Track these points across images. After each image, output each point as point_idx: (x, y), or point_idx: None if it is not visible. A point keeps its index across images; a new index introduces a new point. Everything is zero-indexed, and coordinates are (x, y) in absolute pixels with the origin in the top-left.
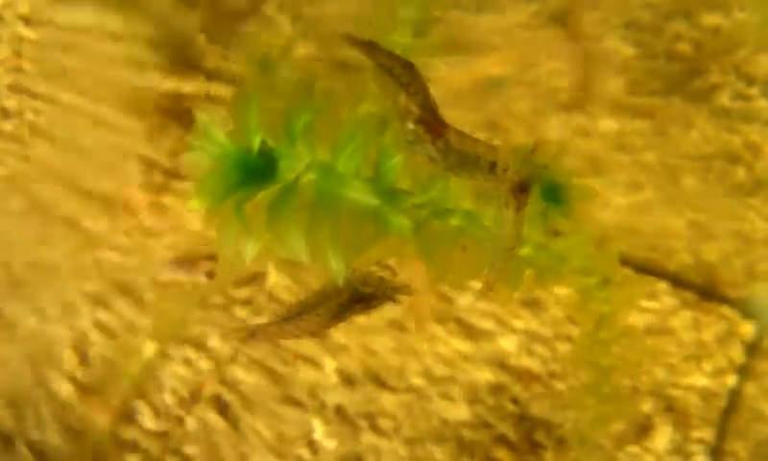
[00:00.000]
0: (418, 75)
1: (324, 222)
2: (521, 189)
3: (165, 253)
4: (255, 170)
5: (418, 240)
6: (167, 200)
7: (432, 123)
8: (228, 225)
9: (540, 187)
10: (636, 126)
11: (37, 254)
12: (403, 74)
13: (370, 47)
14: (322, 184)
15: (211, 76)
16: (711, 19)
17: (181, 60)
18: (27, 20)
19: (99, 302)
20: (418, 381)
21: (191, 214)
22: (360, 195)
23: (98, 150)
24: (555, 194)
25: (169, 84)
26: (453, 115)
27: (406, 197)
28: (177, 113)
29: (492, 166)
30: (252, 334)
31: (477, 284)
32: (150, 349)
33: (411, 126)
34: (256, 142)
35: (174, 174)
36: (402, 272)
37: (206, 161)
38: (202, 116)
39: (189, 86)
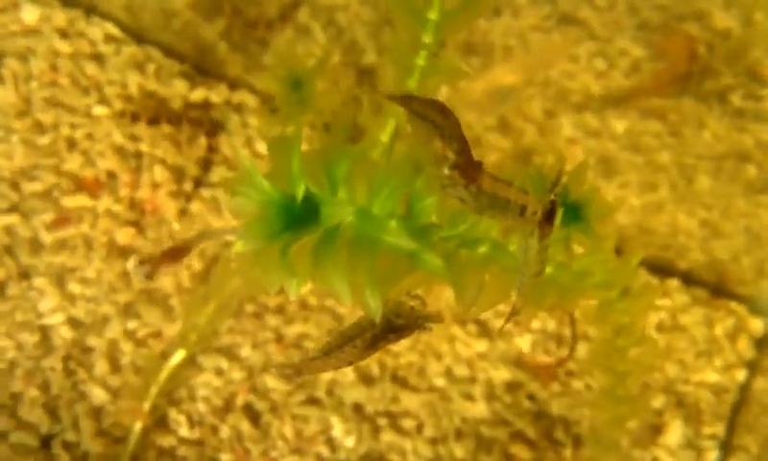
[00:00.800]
0: (452, 118)
1: (362, 262)
2: (546, 219)
3: (193, 262)
4: (299, 217)
5: (447, 270)
6: (195, 207)
7: (467, 168)
8: (272, 267)
9: (561, 205)
10: (649, 126)
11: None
12: (438, 118)
13: (405, 99)
14: (360, 228)
15: (234, 84)
16: (723, 21)
17: (205, 68)
18: (63, 33)
19: (129, 312)
20: (439, 382)
21: (218, 221)
22: (395, 238)
23: (128, 160)
24: (575, 213)
25: (197, 93)
26: (468, 119)
27: (436, 230)
28: (204, 122)
29: (523, 210)
30: (298, 371)
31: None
32: (178, 357)
33: (447, 171)
34: (300, 190)
35: (201, 182)
36: (432, 299)
37: (250, 207)
38: (245, 162)
39: (216, 96)
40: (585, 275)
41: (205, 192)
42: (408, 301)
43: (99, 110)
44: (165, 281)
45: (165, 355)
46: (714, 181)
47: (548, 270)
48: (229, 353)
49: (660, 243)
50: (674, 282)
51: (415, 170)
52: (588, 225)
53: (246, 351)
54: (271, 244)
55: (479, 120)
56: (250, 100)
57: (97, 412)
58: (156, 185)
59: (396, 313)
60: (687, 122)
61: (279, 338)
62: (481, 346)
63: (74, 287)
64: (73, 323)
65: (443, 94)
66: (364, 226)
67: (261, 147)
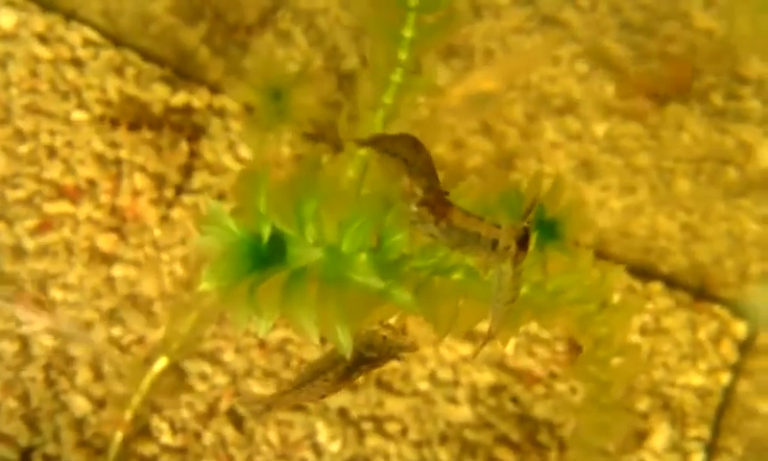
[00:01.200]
0: (423, 152)
1: (331, 300)
2: (520, 245)
3: (176, 268)
4: (266, 257)
5: (419, 300)
6: (176, 214)
7: (436, 205)
8: (239, 306)
9: (535, 225)
10: (629, 129)
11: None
12: (409, 154)
13: (374, 142)
14: (328, 267)
15: (216, 89)
16: (704, 21)
17: (186, 72)
18: (42, 39)
19: (113, 318)
20: (424, 386)
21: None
22: (364, 277)
23: (108, 167)
24: (551, 230)
25: (178, 97)
26: (448, 122)
27: (408, 261)
28: (186, 127)
29: (494, 244)
30: (268, 407)
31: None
32: (161, 364)
33: (415, 208)
34: (266, 231)
35: (183, 188)
36: (412, 321)
37: (217, 246)
38: (211, 203)
39: (198, 100)
40: (560, 293)
41: (187, 199)
42: (381, 331)
43: (78, 116)
44: (148, 287)
45: (149, 362)
46: (694, 184)
47: (523, 290)
48: (212, 358)
49: (641, 246)
50: (657, 286)
51: (385, 205)
52: (564, 243)
53: (229, 356)
54: (237, 284)
55: (460, 124)
56: (231, 104)
57: (79, 423)
58: (136, 192)
59: (368, 345)
60: (667, 124)
61: (262, 343)
62: (465, 349)
63: (56, 293)
64: (54, 331)
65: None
66: (332, 265)
67: (244, 152)
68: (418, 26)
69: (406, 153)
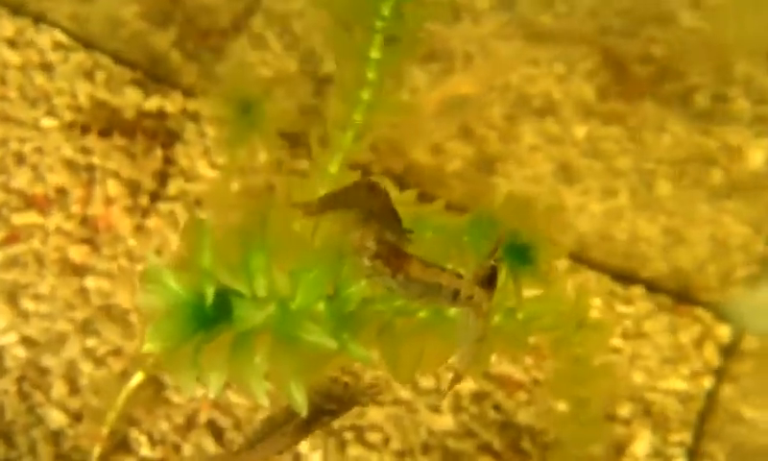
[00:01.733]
0: (380, 195)
1: (283, 356)
2: (488, 283)
3: None
4: (210, 317)
5: (381, 344)
6: (152, 222)
7: (390, 258)
8: (184, 368)
9: (507, 250)
10: (609, 131)
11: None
12: (364, 201)
13: (322, 205)
14: (280, 324)
15: (190, 93)
16: (688, 21)
17: (158, 76)
18: (12, 43)
19: (87, 330)
20: (405, 394)
21: (176, 236)
22: (318, 337)
23: (79, 174)
24: (523, 255)
25: (151, 102)
26: (427, 128)
27: (369, 304)
28: (159, 133)
29: (456, 294)
30: None
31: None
32: (137, 379)
33: (368, 263)
34: (210, 291)
35: (158, 195)
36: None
37: (159, 305)
38: (152, 259)
39: (171, 105)
40: (534, 319)
41: (163, 206)
42: (342, 377)
43: (48, 122)
44: (123, 298)
45: (125, 374)
46: (676, 187)
47: (495, 319)
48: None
49: (621, 251)
50: (637, 290)
51: (340, 256)
52: (537, 268)
53: None
54: (181, 345)
55: (439, 129)
56: (206, 108)
57: (55, 436)
58: (109, 200)
59: (327, 395)
60: (647, 126)
61: None
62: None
63: (27, 304)
64: (27, 342)
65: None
66: (284, 322)
67: (220, 158)
68: (383, 48)
69: (362, 200)
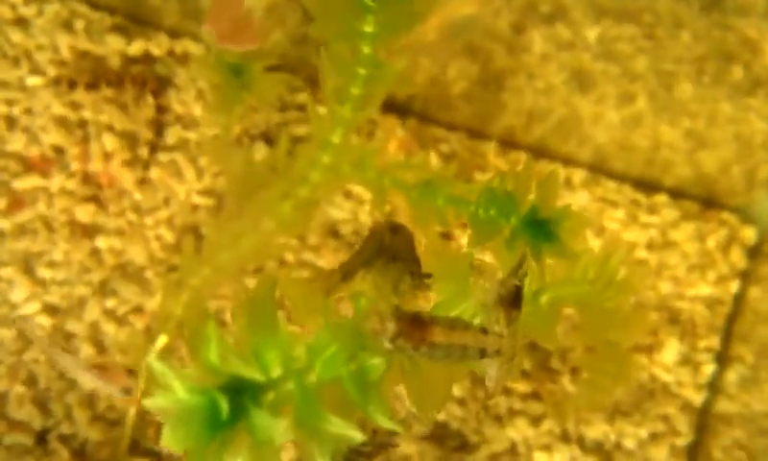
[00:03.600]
0: (402, 234)
1: (306, 438)
2: (512, 303)
3: (162, 231)
4: (225, 422)
5: (406, 381)
6: (155, 174)
7: (412, 331)
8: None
9: (527, 226)
10: (623, 31)
11: None
12: (385, 239)
13: (346, 271)
14: (300, 409)
15: (175, 33)
16: None
17: (139, 19)
18: None
19: (105, 291)
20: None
21: (182, 186)
22: (342, 430)
23: (73, 131)
24: (546, 230)
25: (135, 47)
26: (431, 53)
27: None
28: (149, 80)
29: (483, 353)
30: None
31: None
32: (161, 342)
33: (389, 345)
34: (222, 399)
35: (157, 146)
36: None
37: (170, 410)
38: (156, 365)
39: (157, 48)
40: (559, 300)
41: (163, 156)
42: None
43: (33, 81)
44: (137, 254)
45: (149, 331)
46: (697, 87)
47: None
48: (217, 320)
49: (643, 159)
50: (662, 198)
51: (357, 333)
52: (561, 244)
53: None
54: (202, 444)
55: (444, 49)
56: (194, 48)
57: (89, 399)
58: (107, 155)
59: (357, 452)
60: (663, 22)
61: None
62: None
63: (44, 272)
64: (50, 310)
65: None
66: (303, 406)
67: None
68: (377, 21)
69: (385, 242)
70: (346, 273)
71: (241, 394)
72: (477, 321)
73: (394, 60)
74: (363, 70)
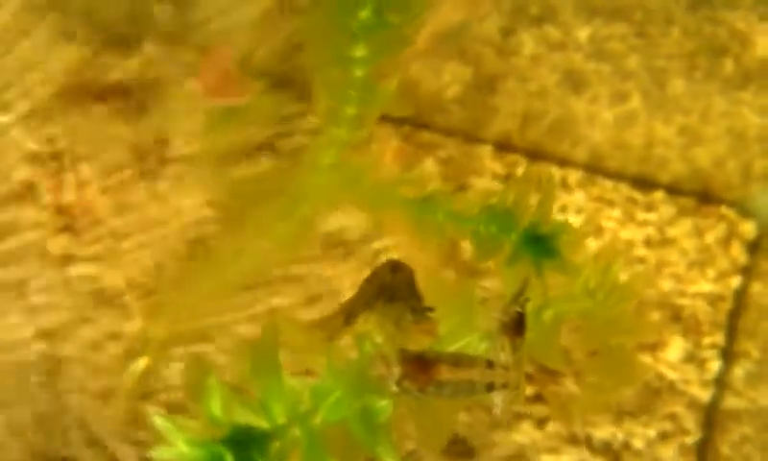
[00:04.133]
0: (402, 272)
1: None
2: (515, 330)
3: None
4: None
5: (413, 416)
6: (162, 186)
7: (417, 373)
8: None
9: (528, 242)
10: (614, 30)
11: None
12: (385, 278)
13: (347, 314)
14: (307, 453)
15: (173, 41)
16: None
17: (125, 30)
18: None
19: (85, 316)
20: None
21: (189, 199)
22: None
23: (45, 163)
24: (546, 246)
25: (112, 71)
26: (425, 63)
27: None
28: (130, 96)
29: (490, 387)
30: None
31: None
32: (141, 364)
33: (396, 388)
34: (227, 454)
35: (164, 158)
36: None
37: None
38: (160, 422)
39: (154, 51)
40: (561, 314)
41: (170, 169)
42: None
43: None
44: (114, 279)
45: (129, 354)
46: (689, 83)
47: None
48: (205, 337)
49: (638, 156)
50: (658, 195)
51: (362, 378)
52: (562, 259)
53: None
54: None
55: (435, 55)
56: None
57: (83, 421)
58: (82, 184)
59: None
60: (654, 19)
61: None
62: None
63: (35, 298)
64: (43, 334)
65: None
66: (310, 450)
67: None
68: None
69: (386, 281)
70: (348, 315)
71: (246, 445)
72: (483, 346)
73: (387, 81)
74: (356, 93)
